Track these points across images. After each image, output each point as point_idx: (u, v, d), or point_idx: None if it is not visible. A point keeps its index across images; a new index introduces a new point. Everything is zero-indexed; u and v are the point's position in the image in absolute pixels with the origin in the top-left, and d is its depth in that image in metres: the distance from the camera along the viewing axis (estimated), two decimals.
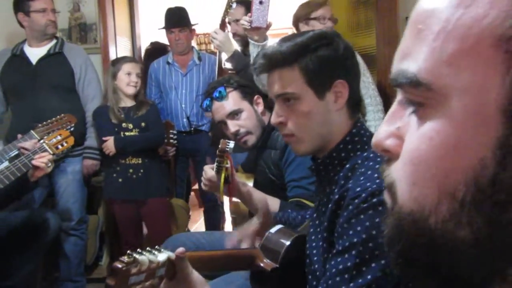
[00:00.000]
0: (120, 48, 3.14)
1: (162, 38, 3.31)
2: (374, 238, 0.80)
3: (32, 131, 2.09)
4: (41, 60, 2.52)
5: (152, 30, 3.81)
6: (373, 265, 0.80)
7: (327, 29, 2.02)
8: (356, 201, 0.84)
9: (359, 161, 0.94)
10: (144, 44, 3.63)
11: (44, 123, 2.13)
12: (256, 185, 1.73)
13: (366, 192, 0.83)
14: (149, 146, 2.54)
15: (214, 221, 3.18)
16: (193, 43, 3.84)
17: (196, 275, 0.91)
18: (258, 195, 1.50)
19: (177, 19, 2.96)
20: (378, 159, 0.89)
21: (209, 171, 1.51)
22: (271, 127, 1.70)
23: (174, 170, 2.95)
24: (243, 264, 1.11)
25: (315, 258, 0.98)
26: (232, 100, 1.70)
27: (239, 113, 1.69)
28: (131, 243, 2.54)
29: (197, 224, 4.00)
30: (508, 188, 0.31)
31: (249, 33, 1.95)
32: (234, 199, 1.50)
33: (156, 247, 0.89)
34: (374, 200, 0.82)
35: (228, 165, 1.39)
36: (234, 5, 2.28)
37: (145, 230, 2.77)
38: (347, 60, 1.00)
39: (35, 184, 1.92)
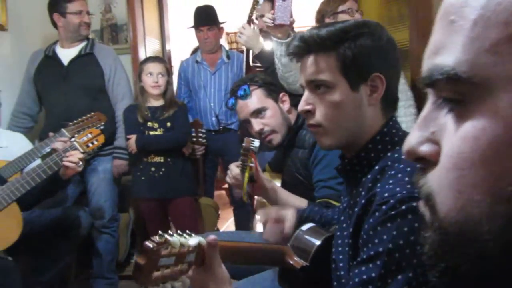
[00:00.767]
0: (149, 48, 3.17)
1: (192, 38, 3.32)
2: (402, 248, 0.74)
3: (63, 129, 2.14)
4: (73, 61, 2.57)
5: (182, 31, 3.84)
6: (399, 277, 0.74)
7: None
8: (384, 207, 0.77)
9: (389, 163, 0.87)
10: (173, 45, 3.66)
11: (75, 121, 2.17)
12: (283, 185, 1.69)
13: (394, 198, 0.77)
14: (170, 146, 2.55)
15: (243, 219, 3.16)
16: (224, 42, 3.85)
17: (223, 270, 0.89)
18: (284, 194, 1.46)
19: (205, 17, 2.97)
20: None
21: (234, 169, 1.49)
22: (299, 126, 1.66)
23: (203, 169, 2.95)
24: (273, 259, 1.08)
25: (341, 264, 0.93)
26: (256, 98, 1.67)
27: (263, 111, 1.65)
28: None
29: (228, 222, 4.00)
30: None
31: (272, 31, 1.92)
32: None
33: (187, 231, 0.86)
34: (403, 207, 0.75)
35: (253, 164, 1.37)
36: (261, 1, 2.26)
37: (173, 229, 2.79)
38: (388, 54, 0.93)
39: (67, 182, 1.96)
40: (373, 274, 0.77)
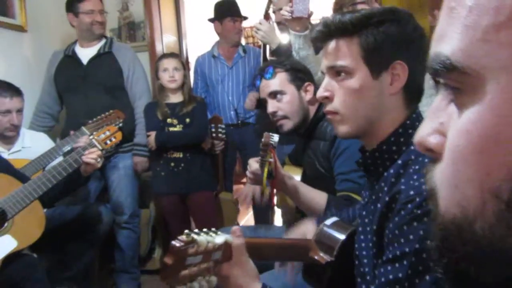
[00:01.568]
0: (166, 45, 3.18)
1: (209, 34, 3.31)
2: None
3: (83, 127, 2.19)
4: (92, 60, 2.60)
5: (198, 27, 3.84)
6: (427, 277, 0.72)
7: None
8: (410, 206, 0.75)
9: (413, 157, 0.84)
10: (190, 41, 3.66)
11: (94, 119, 2.21)
12: (304, 178, 1.68)
13: (421, 197, 0.74)
14: (189, 142, 2.56)
15: (263, 214, 3.15)
16: None
17: (251, 265, 0.88)
18: (304, 190, 1.44)
19: (237, 9, 2.97)
20: None
21: (253, 164, 1.48)
22: (319, 118, 1.64)
23: (223, 164, 2.95)
24: (297, 254, 1.07)
25: (365, 261, 0.91)
26: (278, 81, 1.64)
27: (280, 95, 1.63)
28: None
29: (247, 216, 4.01)
30: None
31: (290, 24, 1.89)
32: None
33: (213, 229, 0.85)
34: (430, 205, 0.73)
35: (272, 159, 1.35)
36: None
37: (193, 224, 2.80)
38: (413, 42, 0.90)
39: (87, 179, 1.99)
40: (400, 275, 0.75)
